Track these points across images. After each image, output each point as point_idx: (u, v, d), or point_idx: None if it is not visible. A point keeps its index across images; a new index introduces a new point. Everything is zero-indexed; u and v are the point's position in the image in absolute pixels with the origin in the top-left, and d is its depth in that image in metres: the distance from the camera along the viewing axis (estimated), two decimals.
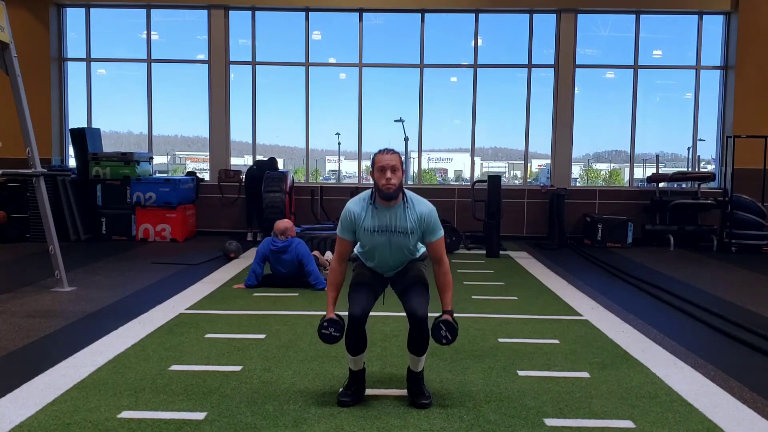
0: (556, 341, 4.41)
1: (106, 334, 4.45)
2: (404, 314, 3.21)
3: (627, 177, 11.50)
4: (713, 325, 4.91)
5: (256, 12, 10.81)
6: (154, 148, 11.21)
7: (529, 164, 11.45)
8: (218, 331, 4.55)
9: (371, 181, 3.15)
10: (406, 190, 3.19)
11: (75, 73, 11.08)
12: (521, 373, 3.72)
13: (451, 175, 14.37)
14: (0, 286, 6.05)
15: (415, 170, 11.62)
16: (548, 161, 11.12)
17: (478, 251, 9.00)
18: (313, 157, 11.70)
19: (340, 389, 3.31)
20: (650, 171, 10.90)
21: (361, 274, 3.32)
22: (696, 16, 10.67)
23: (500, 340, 4.42)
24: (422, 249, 3.34)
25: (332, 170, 13.86)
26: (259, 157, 10.77)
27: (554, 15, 10.62)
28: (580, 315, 5.25)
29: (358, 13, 10.76)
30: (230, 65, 10.87)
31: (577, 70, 10.64)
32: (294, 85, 11.00)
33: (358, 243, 3.29)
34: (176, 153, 14.45)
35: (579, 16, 10.60)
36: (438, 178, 13.82)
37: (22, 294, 5.78)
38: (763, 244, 9.38)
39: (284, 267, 6.11)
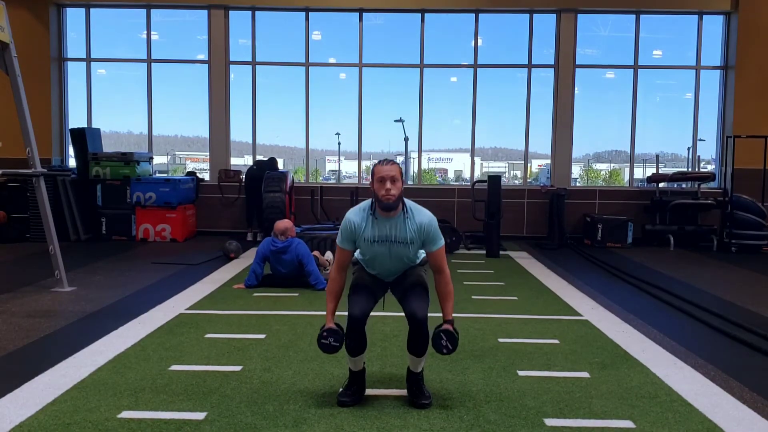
0: (556, 341, 4.41)
1: (106, 334, 4.45)
2: (404, 314, 3.21)
3: (627, 177, 11.50)
4: (713, 325, 4.91)
5: (256, 12, 10.81)
6: (154, 148, 11.21)
7: (529, 164, 11.45)
8: (218, 331, 4.55)
9: (371, 181, 3.14)
10: (406, 200, 3.19)
11: (75, 73, 11.09)
12: (521, 373, 3.72)
13: (451, 175, 14.37)
14: (0, 286, 6.05)
15: (415, 170, 11.62)
16: (548, 161, 11.12)
17: (478, 251, 9.00)
18: (313, 157, 11.70)
19: (340, 389, 3.31)
20: (650, 171, 10.90)
21: (361, 277, 3.32)
22: (696, 16, 10.67)
23: (500, 340, 4.42)
24: (422, 254, 3.33)
25: (332, 170, 13.86)
26: (259, 157, 10.77)
27: (554, 15, 10.62)
28: (580, 315, 5.25)
29: (358, 13, 10.76)
30: (230, 65, 10.87)
31: (577, 70, 10.65)
32: (294, 85, 11.01)
33: (359, 249, 3.29)
34: (176, 153, 14.45)
35: (579, 16, 10.60)
36: (438, 178, 13.83)
37: (22, 294, 5.78)
38: (763, 244, 9.38)
39: (284, 267, 6.11)
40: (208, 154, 11.08)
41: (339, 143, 11.95)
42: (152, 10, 10.84)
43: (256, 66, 10.91)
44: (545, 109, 10.88)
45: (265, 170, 9.92)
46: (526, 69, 10.78)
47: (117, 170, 9.85)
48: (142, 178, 9.83)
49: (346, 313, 3.18)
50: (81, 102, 11.05)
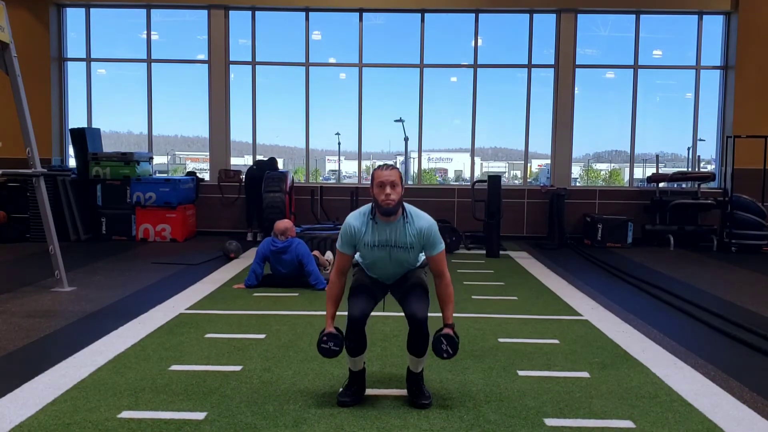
0: (556, 341, 4.41)
1: (106, 334, 4.45)
2: (404, 315, 3.21)
3: (627, 177, 11.50)
4: (713, 325, 4.92)
5: (256, 12, 10.81)
6: (154, 148, 11.21)
7: (529, 164, 11.45)
8: (218, 331, 4.55)
9: (371, 186, 3.14)
10: (406, 204, 3.19)
11: (75, 73, 11.09)
12: (521, 373, 3.72)
13: (451, 175, 14.37)
14: (0, 286, 6.05)
15: (415, 170, 11.62)
16: (548, 161, 11.12)
17: (478, 251, 9.00)
18: (313, 157, 11.70)
19: (340, 389, 3.31)
20: (650, 171, 10.90)
21: (361, 279, 3.32)
22: (696, 16, 10.67)
23: (500, 340, 4.42)
24: (423, 257, 3.33)
25: (332, 170, 13.86)
26: (259, 157, 10.77)
27: (554, 15, 10.62)
28: (580, 315, 5.25)
29: (358, 13, 10.76)
30: (230, 65, 10.87)
31: (577, 70, 10.65)
32: (294, 85, 11.01)
33: (359, 253, 3.29)
34: (176, 153, 14.45)
35: (579, 16, 10.60)
36: (438, 178, 13.83)
37: (22, 294, 5.78)
38: (763, 244, 9.38)
39: (284, 267, 6.11)
40: (208, 154, 11.08)
41: (339, 143, 11.96)
42: (152, 10, 10.84)
43: (256, 66, 10.91)
44: (545, 109, 10.88)
45: (265, 170, 9.92)
46: (526, 69, 10.78)
47: (117, 170, 9.85)
48: (142, 178, 9.83)
49: (345, 313, 3.18)
50: (81, 102, 11.06)
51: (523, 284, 6.60)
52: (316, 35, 10.99)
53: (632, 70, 10.76)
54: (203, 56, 10.88)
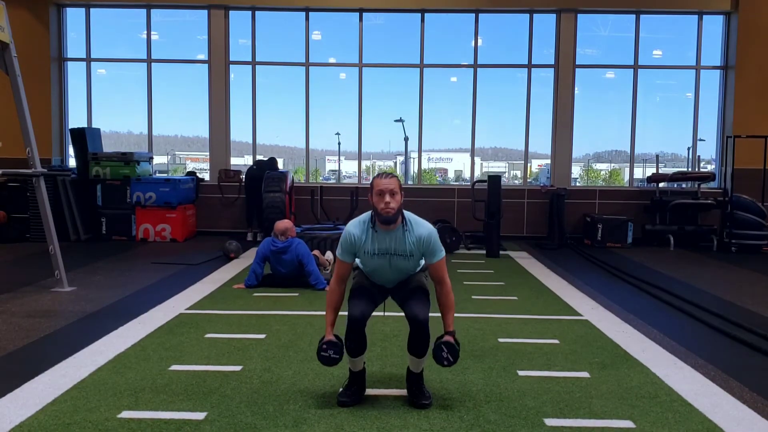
0: (556, 341, 4.41)
1: (106, 334, 4.45)
2: (405, 316, 3.21)
3: (627, 177, 11.50)
4: (713, 325, 4.91)
5: (256, 12, 10.81)
6: (154, 148, 11.21)
7: (529, 164, 11.45)
8: (218, 331, 4.55)
9: (370, 194, 3.15)
10: (406, 212, 3.20)
11: (75, 73, 11.09)
12: (521, 373, 3.72)
13: (451, 175, 14.37)
14: (0, 286, 6.05)
15: (415, 170, 11.62)
16: (548, 161, 11.12)
17: (478, 251, 8.99)
18: (313, 157, 11.70)
19: (340, 389, 3.31)
20: (650, 171, 10.90)
21: (362, 282, 3.33)
22: (696, 16, 10.67)
23: (500, 340, 4.42)
24: (423, 262, 3.34)
25: (332, 170, 13.86)
26: (259, 157, 10.77)
27: (554, 15, 10.62)
28: (580, 315, 5.25)
29: (358, 13, 10.76)
30: (230, 65, 10.87)
31: (577, 70, 10.65)
32: (294, 85, 11.01)
33: (359, 259, 3.30)
34: (176, 153, 14.45)
35: (579, 16, 10.60)
36: (438, 178, 13.83)
37: (22, 294, 5.78)
38: (763, 244, 9.38)
39: (284, 267, 6.11)
40: (208, 154, 11.08)
41: (339, 143, 11.97)
42: (152, 10, 10.84)
43: (256, 66, 10.91)
44: (545, 109, 10.88)
45: (265, 170, 9.92)
46: (526, 69, 10.78)
47: (117, 170, 9.85)
48: (142, 178, 9.83)
49: (345, 313, 3.18)
50: (81, 102, 11.06)
51: (523, 284, 6.60)
52: (316, 35, 10.99)
53: (632, 70, 10.76)
54: (203, 56, 10.88)
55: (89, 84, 11.02)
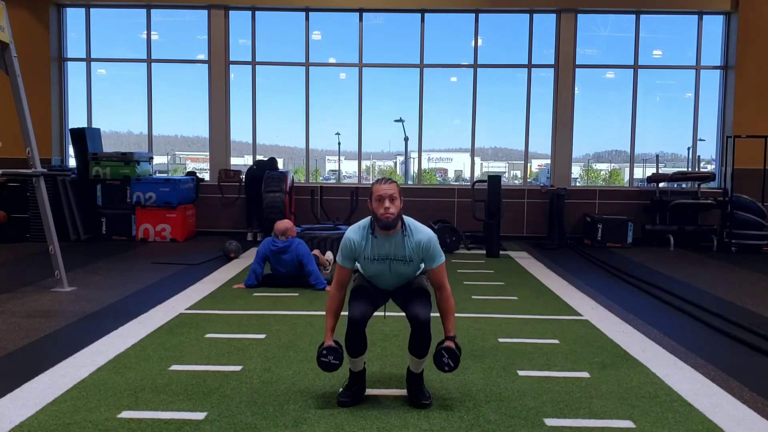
0: (556, 341, 4.41)
1: (106, 334, 4.45)
2: (406, 316, 3.21)
3: (627, 177, 11.50)
4: (713, 325, 4.91)
5: (256, 12, 10.81)
6: (154, 148, 11.21)
7: (529, 164, 11.45)
8: (218, 331, 4.55)
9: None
10: (405, 218, 3.20)
11: (75, 73, 11.09)
12: (521, 373, 3.72)
13: (451, 175, 14.37)
14: (0, 286, 6.05)
15: (415, 170, 11.62)
16: (548, 161, 11.12)
17: (478, 251, 8.99)
18: (313, 157, 11.70)
19: (340, 389, 3.31)
20: (650, 171, 10.90)
21: (362, 282, 3.34)
22: (696, 16, 10.67)
23: (500, 340, 4.42)
24: (423, 265, 3.34)
25: (332, 170, 13.86)
26: (259, 157, 10.77)
27: (554, 15, 10.62)
28: (580, 315, 5.25)
29: (358, 13, 10.76)
30: (230, 65, 10.87)
31: (577, 70, 10.65)
32: (294, 85, 11.01)
33: (359, 264, 3.30)
34: (176, 153, 14.45)
35: (579, 16, 10.60)
36: (438, 178, 13.83)
37: (22, 294, 5.78)
38: (763, 244, 9.38)
39: (284, 267, 6.11)
40: (208, 154, 11.08)
41: (339, 143, 11.97)
42: (152, 10, 10.84)
43: (256, 66, 10.91)
44: (545, 109, 10.88)
45: (265, 170, 9.91)
46: (526, 69, 10.78)
47: (117, 170, 9.85)
48: (142, 178, 9.83)
49: (346, 313, 3.18)
50: (81, 102, 11.06)
51: (523, 284, 6.60)
52: (316, 35, 10.99)
53: (632, 70, 10.76)
54: (203, 56, 10.89)
55: (89, 84, 11.02)
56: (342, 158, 12.60)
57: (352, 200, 9.58)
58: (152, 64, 10.92)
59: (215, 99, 10.77)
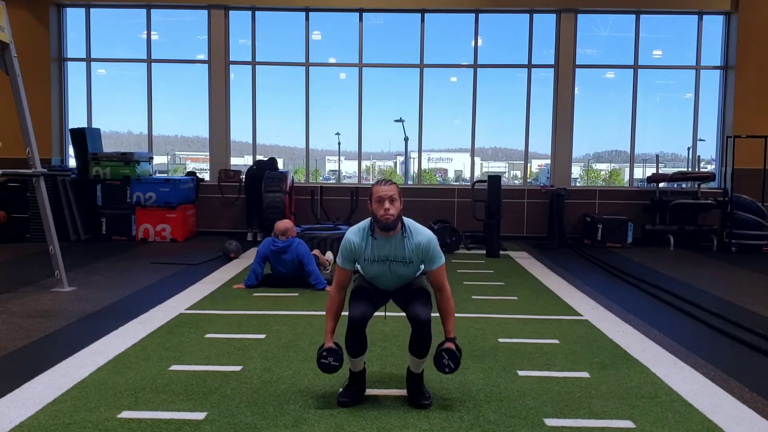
0: (556, 341, 4.41)
1: (106, 334, 4.45)
2: (406, 317, 3.21)
3: (627, 177, 11.50)
4: (713, 325, 4.91)
5: (256, 12, 10.81)
6: (154, 148, 11.21)
7: (529, 164, 11.45)
8: (218, 331, 4.55)
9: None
10: (405, 219, 3.20)
11: (75, 73, 11.09)
12: (521, 373, 3.72)
13: (451, 175, 14.38)
14: (0, 286, 6.05)
15: (415, 170, 11.62)
16: (548, 161, 11.12)
17: (478, 251, 8.99)
18: (313, 157, 11.70)
19: (340, 389, 3.31)
20: (650, 171, 10.91)
21: (363, 283, 3.34)
22: (696, 16, 10.67)
23: (500, 340, 4.42)
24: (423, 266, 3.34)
25: (332, 170, 13.87)
26: (259, 157, 10.77)
27: (554, 15, 10.62)
28: (580, 315, 5.25)
29: (358, 13, 10.76)
30: (230, 65, 10.87)
31: (577, 70, 10.65)
32: (294, 85, 11.01)
33: (359, 266, 3.30)
34: (176, 153, 14.45)
35: (579, 16, 10.60)
36: (438, 178, 13.83)
37: (22, 294, 5.78)
38: (763, 244, 9.38)
39: (284, 267, 6.11)
40: (208, 154, 11.08)
41: (339, 143, 11.97)
42: (152, 10, 10.84)
43: (256, 66, 10.91)
44: (545, 109, 10.88)
45: (265, 170, 9.92)
46: (526, 69, 10.78)
47: (117, 170, 9.85)
48: (142, 178, 9.83)
49: (346, 314, 3.18)
50: (81, 102, 11.06)
51: (523, 284, 6.60)
52: (316, 35, 10.99)
53: (632, 70, 10.76)
54: (203, 56, 10.89)
55: (89, 84, 11.02)
56: (342, 158, 12.60)
57: (352, 200, 9.58)
58: (152, 64, 10.92)
59: (215, 99, 10.77)
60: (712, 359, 4.05)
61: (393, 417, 3.06)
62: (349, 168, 13.27)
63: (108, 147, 10.82)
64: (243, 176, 10.44)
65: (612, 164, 13.58)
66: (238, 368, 3.74)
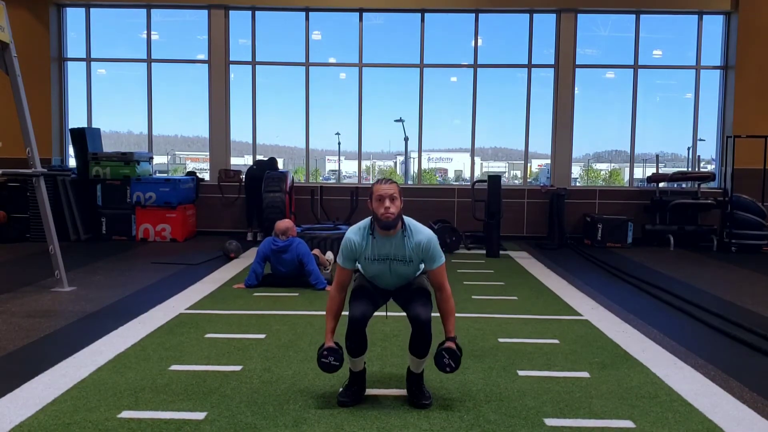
0: (556, 341, 4.41)
1: (106, 334, 4.45)
2: (407, 316, 3.22)
3: (627, 177, 11.50)
4: (713, 325, 4.91)
5: (256, 12, 10.81)
6: (154, 148, 11.21)
7: (529, 164, 11.45)
8: (218, 331, 4.55)
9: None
10: (405, 218, 3.20)
11: (75, 73, 11.09)
12: (521, 373, 3.72)
13: (451, 175, 14.38)
14: (0, 286, 6.05)
15: (415, 170, 11.62)
16: (548, 161, 11.12)
17: (478, 251, 8.99)
18: (313, 157, 11.70)
19: (340, 389, 3.31)
20: (650, 171, 10.91)
21: (363, 282, 3.34)
22: (696, 16, 10.67)
23: (500, 340, 4.42)
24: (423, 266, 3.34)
25: (332, 170, 13.87)
26: (259, 157, 10.77)
27: (554, 15, 10.62)
28: (580, 315, 5.25)
29: (358, 13, 10.76)
30: (230, 65, 10.87)
31: (577, 70, 10.65)
32: (294, 85, 11.01)
33: (359, 265, 3.30)
34: (176, 153, 14.46)
35: (579, 16, 10.60)
36: (438, 178, 13.83)
37: (22, 294, 5.78)
38: (763, 244, 9.38)
39: (285, 267, 6.11)
40: (208, 154, 11.08)
41: (339, 143, 11.97)
42: (152, 10, 10.84)
43: (256, 66, 10.91)
44: (545, 109, 10.88)
45: (265, 170, 9.92)
46: (526, 69, 10.78)
47: (117, 170, 9.85)
48: (142, 178, 9.83)
49: (346, 313, 3.18)
50: (81, 102, 11.06)
51: (523, 284, 6.60)
52: (316, 35, 10.99)
53: (632, 70, 10.76)
54: (203, 56, 10.88)
55: (89, 84, 11.02)
56: (342, 158, 12.60)
57: (352, 200, 9.58)
58: (152, 64, 10.92)
59: (215, 99, 10.77)
60: (712, 359, 4.05)
61: (393, 417, 3.06)
62: (349, 168, 13.27)
63: (108, 147, 10.82)
64: (243, 176, 10.44)
65: (612, 164, 13.58)
66: (238, 368, 3.74)
